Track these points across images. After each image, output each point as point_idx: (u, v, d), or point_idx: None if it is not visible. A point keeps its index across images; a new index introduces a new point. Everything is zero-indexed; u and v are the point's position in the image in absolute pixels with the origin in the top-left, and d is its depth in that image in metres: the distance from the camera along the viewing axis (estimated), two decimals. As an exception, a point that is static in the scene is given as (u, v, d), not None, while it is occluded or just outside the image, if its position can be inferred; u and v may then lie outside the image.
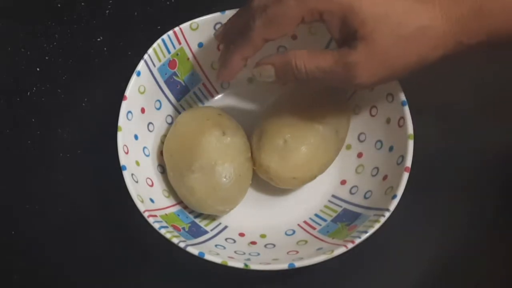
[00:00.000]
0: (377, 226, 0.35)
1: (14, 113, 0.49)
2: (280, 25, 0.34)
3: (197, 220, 0.41)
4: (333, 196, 0.42)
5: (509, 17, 0.32)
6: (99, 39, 0.52)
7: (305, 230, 0.40)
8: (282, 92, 0.44)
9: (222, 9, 0.42)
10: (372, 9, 0.32)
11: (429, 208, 0.43)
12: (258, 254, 0.38)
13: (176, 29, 0.42)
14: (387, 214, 0.35)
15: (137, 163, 0.39)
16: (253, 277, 0.39)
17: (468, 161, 0.44)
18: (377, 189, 0.39)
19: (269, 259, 0.36)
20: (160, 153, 0.42)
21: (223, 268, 0.34)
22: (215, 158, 0.39)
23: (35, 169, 0.46)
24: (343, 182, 0.43)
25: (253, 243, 0.40)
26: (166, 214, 0.38)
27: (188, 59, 0.44)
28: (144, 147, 0.41)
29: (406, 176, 0.36)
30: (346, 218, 0.39)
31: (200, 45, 0.43)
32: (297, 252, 0.37)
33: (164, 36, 0.41)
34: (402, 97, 0.39)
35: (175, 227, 0.37)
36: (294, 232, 0.41)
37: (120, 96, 0.39)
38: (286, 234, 0.41)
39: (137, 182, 0.38)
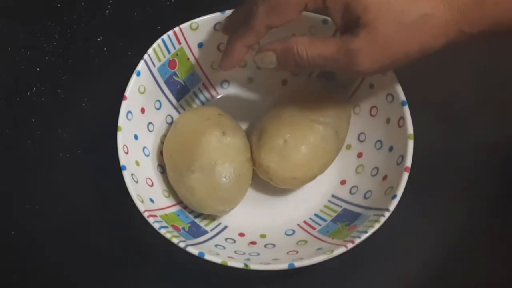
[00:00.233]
0: (377, 226, 0.35)
1: (14, 113, 0.49)
2: (283, 12, 0.34)
3: (197, 220, 0.41)
4: (333, 196, 0.42)
5: (509, 8, 0.32)
6: (99, 39, 0.52)
7: (305, 230, 0.40)
8: (282, 92, 0.44)
9: (222, 9, 0.42)
10: None
11: (429, 208, 0.43)
12: (258, 254, 0.38)
13: (176, 29, 0.42)
14: (387, 214, 0.35)
15: (137, 163, 0.39)
16: (253, 277, 0.39)
17: (468, 161, 0.44)
18: (377, 189, 0.39)
19: (269, 259, 0.36)
20: (160, 153, 0.42)
21: (223, 268, 0.34)
22: (215, 158, 0.39)
23: (35, 169, 0.46)
24: (343, 182, 0.43)
25: (253, 243, 0.40)
26: (166, 214, 0.38)
27: (188, 59, 0.44)
28: (144, 147, 0.41)
29: (406, 176, 0.36)
30: (346, 218, 0.39)
31: (200, 45, 0.43)
32: (297, 252, 0.37)
33: (164, 36, 0.41)
34: (402, 97, 0.39)
35: (175, 227, 0.37)
36: (294, 232, 0.41)
37: (120, 96, 0.39)
38: (286, 234, 0.41)
39: (137, 182, 0.38)
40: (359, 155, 0.43)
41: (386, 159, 0.39)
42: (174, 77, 0.44)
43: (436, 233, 0.42)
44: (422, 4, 0.32)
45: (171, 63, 0.43)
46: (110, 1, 0.53)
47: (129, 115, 0.39)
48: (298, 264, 0.34)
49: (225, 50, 0.37)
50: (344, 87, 0.44)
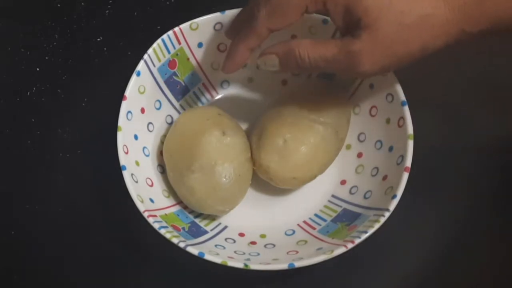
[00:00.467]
0: (377, 226, 0.35)
1: (14, 113, 0.49)
2: (284, 15, 0.34)
3: (197, 220, 0.41)
4: (333, 196, 0.42)
5: (510, 6, 0.32)
6: (99, 39, 0.52)
7: (305, 230, 0.40)
8: (282, 92, 0.44)
9: (222, 9, 0.42)
10: None
11: (429, 208, 0.43)
12: (258, 254, 0.38)
13: (176, 29, 0.42)
14: (387, 214, 0.35)
15: (137, 163, 0.39)
16: (253, 277, 0.39)
17: (468, 161, 0.44)
18: (377, 189, 0.39)
19: (269, 259, 0.36)
20: (160, 153, 0.42)
21: (223, 268, 0.34)
22: (215, 158, 0.39)
23: (35, 169, 0.46)
24: (343, 182, 0.43)
25: (253, 243, 0.40)
26: (166, 214, 0.38)
27: (188, 59, 0.44)
28: (144, 147, 0.41)
29: (406, 176, 0.36)
30: (346, 218, 0.39)
31: (200, 45, 0.43)
32: (297, 252, 0.37)
33: (164, 36, 0.41)
34: (402, 97, 0.39)
35: (175, 227, 0.37)
36: (294, 232, 0.41)
37: (120, 96, 0.39)
38: (286, 234, 0.41)
39: (137, 182, 0.38)
40: (359, 155, 0.43)
41: (386, 159, 0.39)
42: (174, 77, 0.44)
43: (436, 233, 0.42)
44: (422, 4, 0.32)
45: (171, 63, 0.43)
46: (110, 1, 0.53)
47: (129, 115, 0.39)
48: (298, 264, 0.33)
49: (227, 53, 0.37)
50: (344, 87, 0.44)
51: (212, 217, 0.42)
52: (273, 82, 0.46)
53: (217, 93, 0.47)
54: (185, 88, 0.45)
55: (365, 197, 0.40)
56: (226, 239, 0.39)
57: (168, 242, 0.35)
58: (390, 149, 0.39)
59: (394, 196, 0.36)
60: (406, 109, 0.38)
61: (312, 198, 0.42)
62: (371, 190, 0.40)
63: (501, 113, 0.46)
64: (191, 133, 0.40)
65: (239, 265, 0.34)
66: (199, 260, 0.34)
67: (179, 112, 0.45)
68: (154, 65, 0.41)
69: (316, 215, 0.42)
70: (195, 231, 0.39)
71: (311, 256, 0.34)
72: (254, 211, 0.42)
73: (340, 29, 0.34)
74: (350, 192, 0.41)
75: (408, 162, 0.37)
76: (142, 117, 0.41)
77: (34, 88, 0.49)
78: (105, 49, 0.51)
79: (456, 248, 0.42)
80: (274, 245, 0.39)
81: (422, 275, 0.41)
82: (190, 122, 0.41)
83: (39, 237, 0.43)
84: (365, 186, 0.40)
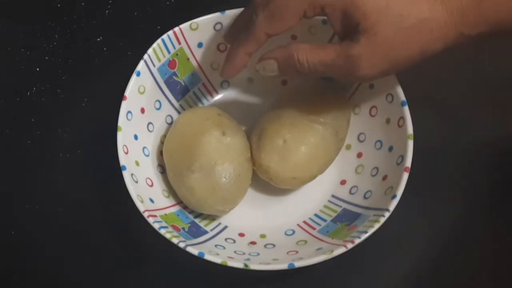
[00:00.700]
0: (377, 226, 0.35)
1: (14, 113, 0.49)
2: (282, 20, 0.34)
3: (197, 220, 0.41)
4: (333, 196, 0.42)
5: (510, 8, 0.32)
6: (99, 39, 0.52)
7: (304, 230, 0.40)
8: (282, 92, 0.44)
9: (222, 9, 0.42)
10: (374, 2, 0.32)
11: (429, 208, 0.43)
12: (258, 254, 0.38)
13: (176, 29, 0.42)
14: (387, 214, 0.35)
15: (137, 163, 0.39)
16: (253, 277, 0.39)
17: (468, 161, 0.44)
18: (377, 189, 0.39)
19: (269, 259, 0.36)
20: (160, 153, 0.42)
21: (223, 268, 0.34)
22: (215, 158, 0.39)
23: (35, 169, 0.46)
24: (343, 182, 0.43)
25: (253, 243, 0.40)
26: (166, 214, 0.38)
27: (188, 59, 0.44)
28: (144, 147, 0.41)
29: (406, 176, 0.36)
30: (346, 218, 0.39)
31: (200, 45, 0.43)
32: (297, 252, 0.37)
33: (164, 36, 0.41)
34: (402, 97, 0.39)
35: (175, 227, 0.37)
36: (294, 232, 0.41)
37: (120, 96, 0.39)
38: (286, 234, 0.41)
39: (136, 182, 0.38)
40: (359, 155, 0.43)
41: (386, 159, 0.39)
42: (174, 77, 0.44)
43: (436, 233, 0.42)
44: (420, 8, 0.32)
45: (171, 63, 0.43)
46: (110, 1, 0.53)
47: (129, 115, 0.39)
48: (298, 264, 0.33)
49: (226, 57, 0.37)
50: (344, 87, 0.44)
51: (212, 217, 0.42)
52: (273, 82, 0.46)
53: (217, 93, 0.47)
54: (185, 88, 0.45)
55: (365, 197, 0.40)
56: (226, 239, 0.39)
57: (168, 242, 0.35)
58: (390, 149, 0.39)
59: (394, 196, 0.36)
60: (406, 109, 0.38)
61: (312, 198, 0.42)
62: (371, 190, 0.40)
63: (500, 114, 0.46)
64: (191, 133, 0.40)
65: (239, 265, 0.34)
66: (199, 260, 0.34)
67: (179, 112, 0.45)
68: (154, 65, 0.41)
69: (316, 215, 0.42)
70: (195, 231, 0.39)
71: (311, 256, 0.34)
72: (254, 211, 0.42)
73: (338, 33, 0.34)
74: (350, 192, 0.41)
75: (408, 162, 0.37)
76: (142, 117, 0.41)
77: (34, 88, 0.49)
78: (105, 49, 0.51)
79: (456, 248, 0.42)
80: (274, 245, 0.39)
81: (422, 275, 0.41)
82: (190, 122, 0.41)
83: (39, 237, 0.43)
84: (365, 186, 0.40)
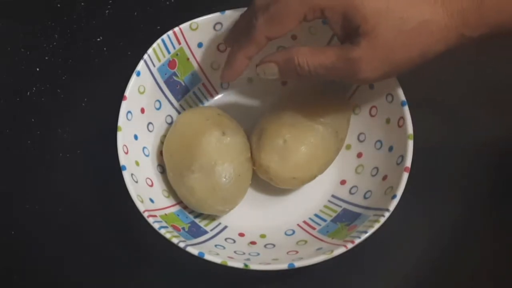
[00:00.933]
0: (377, 226, 0.35)
1: (14, 113, 0.49)
2: (282, 23, 0.34)
3: (197, 220, 0.41)
4: (333, 196, 0.42)
5: (510, 10, 0.32)
6: (99, 39, 0.52)
7: (304, 230, 0.40)
8: (282, 92, 0.44)
9: (222, 9, 0.42)
10: (374, 4, 0.32)
11: (429, 208, 0.43)
12: (258, 254, 0.38)
13: (176, 29, 0.42)
14: (387, 214, 0.35)
15: (137, 163, 0.39)
16: (253, 277, 0.39)
17: (468, 161, 0.44)
18: (377, 189, 0.39)
19: (269, 259, 0.36)
20: (160, 153, 0.42)
21: (223, 268, 0.34)
22: (215, 158, 0.39)
23: (35, 169, 0.46)
24: (342, 182, 0.43)
25: (253, 243, 0.40)
26: (166, 214, 0.38)
27: (188, 59, 0.44)
28: (144, 147, 0.41)
29: (405, 176, 0.36)
30: (346, 218, 0.39)
31: (200, 45, 0.43)
32: (297, 252, 0.37)
33: (164, 36, 0.41)
34: (402, 97, 0.39)
35: (175, 227, 0.37)
36: (294, 232, 0.41)
37: (120, 96, 0.39)
38: (286, 234, 0.41)
39: (136, 182, 0.38)
40: (359, 155, 0.43)
41: (386, 159, 0.39)
42: (174, 77, 0.44)
43: (436, 233, 0.42)
44: (421, 10, 0.32)
45: (171, 63, 0.43)
46: (110, 1, 0.53)
47: (129, 115, 0.39)
48: (298, 264, 0.33)
49: (226, 61, 0.37)
50: (344, 87, 0.44)
51: (212, 217, 0.42)
52: (273, 82, 0.46)
53: (217, 93, 0.47)
54: (185, 88, 0.45)
55: (365, 197, 0.40)
56: (226, 239, 0.39)
57: (168, 242, 0.35)
58: (390, 149, 0.39)
59: (394, 196, 0.36)
60: (406, 109, 0.38)
61: (312, 198, 0.42)
62: (371, 190, 0.40)
63: (500, 114, 0.46)
64: (191, 133, 0.40)
65: (239, 265, 0.34)
66: (199, 260, 0.34)
67: (179, 112, 0.45)
68: (154, 65, 0.41)
69: (316, 215, 0.42)
70: (195, 231, 0.39)
71: (311, 256, 0.34)
72: (254, 211, 0.42)
73: (338, 36, 0.34)
74: (350, 192, 0.41)
75: (408, 162, 0.37)
76: (142, 117, 0.41)
77: (34, 88, 0.49)
78: (105, 49, 0.51)
79: (456, 248, 0.42)
80: (274, 245, 0.39)
81: (422, 275, 0.41)
82: (190, 122, 0.41)
83: (39, 237, 0.43)
84: (365, 186, 0.40)
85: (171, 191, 0.41)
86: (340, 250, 0.34)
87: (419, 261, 0.41)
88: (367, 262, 0.41)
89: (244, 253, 0.37)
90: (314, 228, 0.40)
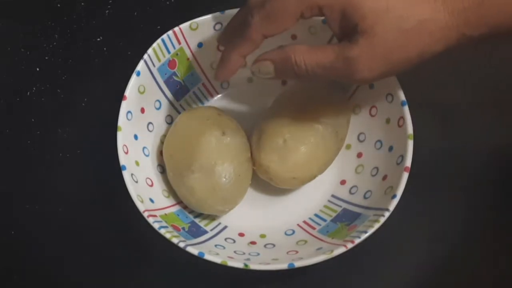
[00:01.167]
0: (376, 226, 0.35)
1: (14, 112, 0.49)
2: (279, 21, 0.33)
3: (196, 220, 0.41)
4: (333, 196, 0.42)
5: (509, 10, 0.32)
6: (99, 39, 0.52)
7: (304, 230, 0.40)
8: (282, 92, 0.44)
9: (222, 9, 0.42)
10: (373, 3, 0.31)
11: (429, 208, 0.43)
12: (258, 254, 0.38)
13: (176, 29, 0.42)
14: (387, 214, 0.35)
15: (137, 163, 0.39)
16: (253, 277, 0.39)
17: (468, 161, 0.44)
18: (376, 189, 0.39)
19: (268, 259, 0.36)
20: (160, 153, 0.42)
21: (223, 268, 0.34)
22: (214, 158, 0.39)
23: (35, 169, 0.46)
24: (342, 182, 0.43)
25: (253, 243, 0.40)
26: (165, 214, 0.38)
27: (188, 59, 0.44)
28: (144, 147, 0.41)
29: (405, 176, 0.36)
30: (346, 218, 0.39)
31: (200, 45, 0.43)
32: (297, 252, 0.37)
33: (164, 36, 0.41)
34: (402, 97, 0.39)
35: (174, 227, 0.37)
36: (293, 232, 0.41)
37: (120, 96, 0.39)
38: (285, 234, 0.41)
39: (136, 182, 0.38)
40: (359, 155, 0.43)
41: (386, 159, 0.39)
42: (174, 77, 0.44)
43: (436, 233, 0.42)
44: (421, 9, 0.32)
45: (171, 63, 0.43)
46: (110, 1, 0.53)
47: (129, 115, 0.39)
48: (298, 264, 0.33)
49: (220, 60, 0.37)
50: (344, 87, 0.44)
51: (212, 217, 0.42)
52: (273, 82, 0.46)
53: (217, 93, 0.47)
54: (185, 88, 0.45)
55: (365, 197, 0.40)
56: (226, 239, 0.39)
57: (168, 242, 0.35)
58: (390, 149, 0.39)
59: (394, 196, 0.36)
60: (406, 109, 0.38)
61: (312, 198, 0.42)
62: (371, 190, 0.40)
63: (500, 114, 0.46)
64: (191, 133, 0.40)
65: (239, 265, 0.34)
66: (199, 260, 0.34)
67: (179, 112, 0.45)
68: (154, 65, 0.41)
69: (316, 215, 0.42)
70: (195, 231, 0.39)
71: (311, 256, 0.34)
72: (254, 211, 0.42)
73: (336, 35, 0.34)
74: (350, 192, 0.41)
75: (408, 162, 0.37)
76: (142, 117, 0.41)
77: (34, 88, 0.49)
78: (105, 49, 0.51)
79: (456, 248, 0.42)
80: (274, 245, 0.39)
81: (422, 275, 0.41)
82: (190, 122, 0.41)
83: (39, 237, 0.43)
84: (365, 186, 0.40)
85: (171, 191, 0.41)
86: (340, 250, 0.34)
87: (419, 261, 0.41)
88: (367, 262, 0.41)
89: (244, 253, 0.37)
90: (314, 228, 0.40)
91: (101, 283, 0.42)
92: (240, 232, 0.41)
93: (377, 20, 0.31)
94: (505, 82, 0.47)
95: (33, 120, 0.48)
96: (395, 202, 0.35)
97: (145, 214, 0.35)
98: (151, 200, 0.38)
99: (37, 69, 0.50)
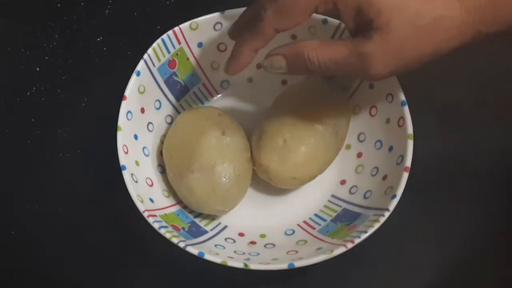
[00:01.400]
0: (376, 226, 0.35)
1: (14, 112, 0.49)
2: (292, 15, 0.33)
3: (196, 220, 0.41)
4: (333, 196, 0.42)
5: None
6: (99, 39, 0.52)
7: (304, 230, 0.40)
8: (282, 92, 0.44)
9: (222, 9, 0.42)
10: None
11: (429, 208, 0.43)
12: (258, 254, 0.38)
13: (176, 29, 0.42)
14: (387, 214, 0.35)
15: (137, 163, 0.39)
16: (253, 277, 0.39)
17: (468, 161, 0.44)
18: (376, 189, 0.39)
19: (268, 259, 0.36)
20: (160, 153, 0.42)
21: (223, 268, 0.34)
22: (214, 158, 0.39)
23: (35, 169, 0.46)
24: (342, 182, 0.43)
25: (253, 243, 0.40)
26: (165, 214, 0.38)
27: (188, 59, 0.44)
28: (144, 147, 0.41)
29: (405, 176, 0.36)
30: (346, 218, 0.39)
31: (200, 45, 0.43)
32: (297, 252, 0.37)
33: (164, 36, 0.41)
34: (402, 97, 0.39)
35: (174, 227, 0.37)
36: (293, 232, 0.41)
37: (120, 96, 0.39)
38: (285, 234, 0.41)
39: (136, 182, 0.38)
40: (359, 155, 0.43)
41: (386, 159, 0.39)
42: (174, 77, 0.44)
43: (436, 233, 0.42)
44: (437, 5, 0.31)
45: (171, 63, 0.43)
46: (110, 1, 0.53)
47: (129, 115, 0.39)
48: (297, 264, 0.33)
49: (231, 54, 0.36)
50: (344, 87, 0.44)
51: (212, 217, 0.42)
52: (273, 82, 0.46)
53: (217, 93, 0.47)
54: (185, 88, 0.45)
55: (365, 197, 0.40)
56: (226, 239, 0.39)
57: (168, 242, 0.35)
58: (390, 149, 0.39)
59: (394, 196, 0.36)
60: (406, 109, 0.38)
61: (312, 198, 0.42)
62: (371, 190, 0.40)
63: (500, 113, 0.46)
64: (191, 133, 0.40)
65: (239, 265, 0.34)
66: (199, 260, 0.34)
67: (179, 112, 0.45)
68: (154, 65, 0.41)
69: (316, 215, 0.42)
70: (195, 231, 0.39)
71: (311, 256, 0.34)
72: (254, 211, 0.42)
73: (350, 30, 0.34)
74: (350, 192, 0.41)
75: (408, 162, 0.37)
76: (142, 117, 0.41)
77: (34, 88, 0.49)
78: (105, 49, 0.51)
79: (456, 248, 0.42)
80: (274, 245, 0.39)
81: (422, 275, 0.41)
82: (190, 122, 0.41)
83: (39, 237, 0.43)
84: (365, 186, 0.40)
85: (171, 191, 0.41)
86: (340, 250, 0.34)
87: (419, 261, 0.41)
88: (367, 262, 0.41)
89: (244, 253, 0.37)
90: (314, 228, 0.40)
91: (101, 283, 0.42)
92: (240, 232, 0.41)
93: (392, 16, 0.31)
94: (506, 82, 0.47)
95: (33, 120, 0.48)
96: (395, 202, 0.35)
97: (145, 214, 0.35)
98: (151, 200, 0.38)
99: (37, 69, 0.50)
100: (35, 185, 0.45)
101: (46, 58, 0.51)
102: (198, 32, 0.42)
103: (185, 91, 0.45)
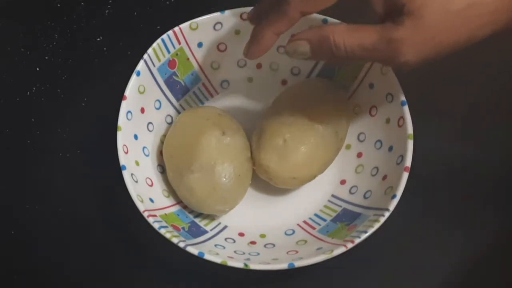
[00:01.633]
0: (376, 226, 0.35)
1: (14, 113, 0.49)
2: None
3: (196, 220, 0.41)
4: (333, 196, 0.42)
5: None
6: (99, 39, 0.52)
7: (304, 230, 0.40)
8: (282, 92, 0.44)
9: (222, 9, 0.42)
10: None
11: (429, 208, 0.43)
12: (258, 254, 0.38)
13: (176, 29, 0.42)
14: (387, 214, 0.35)
15: (137, 163, 0.39)
16: (253, 277, 0.39)
17: (468, 161, 0.44)
18: (376, 189, 0.39)
19: (268, 259, 0.36)
20: (160, 153, 0.42)
21: (223, 268, 0.34)
22: (214, 158, 0.39)
23: (35, 169, 0.46)
24: (342, 182, 0.43)
25: (253, 243, 0.40)
26: (165, 214, 0.38)
27: (188, 59, 0.44)
28: (144, 147, 0.41)
29: (405, 176, 0.36)
30: (346, 218, 0.39)
31: (200, 45, 0.43)
32: (297, 252, 0.37)
33: (164, 36, 0.41)
34: (402, 97, 0.39)
35: (174, 227, 0.37)
36: (293, 232, 0.41)
37: (120, 96, 0.39)
38: (285, 234, 0.41)
39: (136, 182, 0.38)
40: (359, 155, 0.43)
41: (386, 159, 0.39)
42: (174, 77, 0.44)
43: (435, 233, 0.42)
44: None
45: (171, 63, 0.43)
46: (110, 1, 0.53)
47: (129, 115, 0.39)
48: (298, 264, 0.34)
49: (251, 37, 0.35)
50: (344, 87, 0.44)
51: (212, 217, 0.42)
52: (273, 82, 0.46)
53: (217, 93, 0.47)
54: (185, 88, 0.45)
55: (365, 197, 0.40)
56: (226, 239, 0.39)
57: (168, 242, 0.35)
58: (390, 149, 0.39)
59: (394, 196, 0.36)
60: (406, 109, 0.38)
61: (312, 198, 0.42)
62: (371, 190, 0.40)
63: (501, 113, 0.46)
64: (191, 133, 0.40)
65: (239, 265, 0.34)
66: (199, 260, 0.34)
67: (179, 112, 0.45)
68: (154, 65, 0.41)
69: (316, 215, 0.42)
70: (195, 231, 0.39)
71: (311, 256, 0.34)
72: (254, 211, 0.42)
73: (380, 15, 0.32)
74: (350, 192, 0.41)
75: (408, 162, 0.37)
76: (142, 117, 0.41)
77: (34, 88, 0.49)
78: (105, 49, 0.51)
79: (456, 248, 0.42)
80: (274, 245, 0.39)
81: (422, 275, 0.41)
82: (190, 122, 0.41)
83: (39, 237, 0.43)
84: (365, 186, 0.40)
85: (171, 191, 0.41)
86: (340, 250, 0.34)
87: (419, 261, 0.41)
88: (367, 262, 0.41)
89: (244, 253, 0.37)
90: (314, 228, 0.40)
91: (101, 283, 0.42)
92: (240, 232, 0.41)
93: (424, 1, 0.30)
94: (506, 82, 0.47)
95: (33, 120, 0.48)
96: (395, 202, 0.35)
97: (145, 214, 0.35)
98: (151, 200, 0.38)
99: (37, 69, 0.50)
100: (35, 185, 0.45)
101: (46, 58, 0.51)
102: (198, 32, 0.42)
103: (185, 91, 0.45)
